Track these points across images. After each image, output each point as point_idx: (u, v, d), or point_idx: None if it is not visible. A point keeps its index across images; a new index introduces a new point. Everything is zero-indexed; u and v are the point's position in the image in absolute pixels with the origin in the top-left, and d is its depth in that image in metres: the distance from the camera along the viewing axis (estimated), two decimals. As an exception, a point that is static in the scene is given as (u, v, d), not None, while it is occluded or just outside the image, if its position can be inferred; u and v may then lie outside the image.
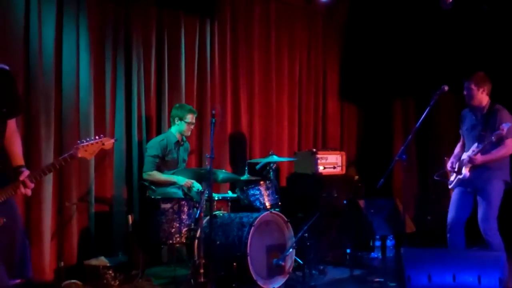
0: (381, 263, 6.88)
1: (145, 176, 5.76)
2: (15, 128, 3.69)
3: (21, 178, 3.45)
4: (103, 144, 3.67)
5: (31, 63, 5.31)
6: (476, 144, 5.20)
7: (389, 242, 7.33)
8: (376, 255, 7.12)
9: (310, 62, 8.29)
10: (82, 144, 3.60)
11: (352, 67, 8.69)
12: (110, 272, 5.33)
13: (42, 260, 5.25)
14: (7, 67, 3.57)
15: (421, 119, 5.03)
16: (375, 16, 8.44)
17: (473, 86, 5.28)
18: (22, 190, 3.43)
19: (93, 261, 5.43)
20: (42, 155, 5.28)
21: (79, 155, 3.59)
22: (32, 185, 3.48)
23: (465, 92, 5.35)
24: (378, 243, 7.24)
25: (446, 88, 5.14)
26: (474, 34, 7.73)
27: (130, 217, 5.75)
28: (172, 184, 5.74)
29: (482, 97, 5.31)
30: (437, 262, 4.44)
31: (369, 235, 7.18)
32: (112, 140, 3.77)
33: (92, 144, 3.62)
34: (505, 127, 4.93)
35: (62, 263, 5.46)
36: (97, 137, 3.68)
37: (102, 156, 5.89)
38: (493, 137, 5.01)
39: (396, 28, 8.39)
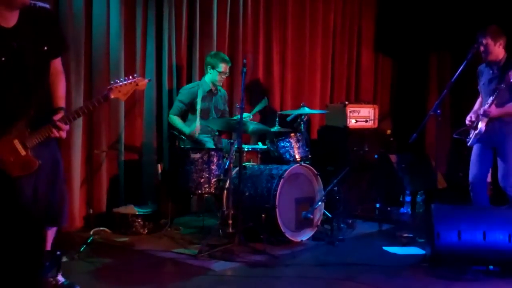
0: (411, 218, 6.82)
1: (168, 118, 5.83)
2: (61, 68, 3.58)
3: (55, 118, 3.36)
4: (137, 85, 3.54)
5: (61, 7, 5.22)
6: (490, 98, 5.06)
7: (419, 198, 7.24)
8: (405, 211, 7.06)
9: (345, 11, 8.08)
10: (116, 85, 3.47)
11: (388, 18, 8.48)
12: (139, 220, 5.37)
13: (72, 207, 5.29)
14: (47, 5, 3.45)
15: (457, 73, 4.94)
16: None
17: (489, 41, 5.15)
18: (56, 132, 3.34)
19: (122, 209, 5.47)
20: (72, 101, 5.25)
21: (113, 96, 3.47)
22: (67, 127, 3.38)
23: (481, 48, 5.19)
24: (408, 199, 7.15)
25: (495, 35, 5.07)
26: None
27: (159, 166, 5.76)
28: (182, 133, 5.74)
29: (499, 51, 5.18)
30: (467, 219, 4.36)
31: (399, 190, 7.11)
32: (146, 80, 3.61)
33: (125, 84, 3.50)
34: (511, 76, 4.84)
35: (91, 211, 5.54)
36: (130, 77, 3.55)
37: (132, 103, 5.87)
38: (503, 85, 4.91)
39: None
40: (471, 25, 7.74)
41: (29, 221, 3.34)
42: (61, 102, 3.52)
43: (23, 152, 3.27)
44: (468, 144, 5.34)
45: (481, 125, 5.10)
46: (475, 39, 5.18)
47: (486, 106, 5.08)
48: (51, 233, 3.62)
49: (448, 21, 8.29)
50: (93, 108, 3.51)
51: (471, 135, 5.31)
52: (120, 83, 3.49)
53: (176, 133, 5.77)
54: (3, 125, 3.25)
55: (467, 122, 5.35)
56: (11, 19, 3.25)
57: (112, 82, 3.54)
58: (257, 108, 5.73)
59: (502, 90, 4.98)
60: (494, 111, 5.03)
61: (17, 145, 3.27)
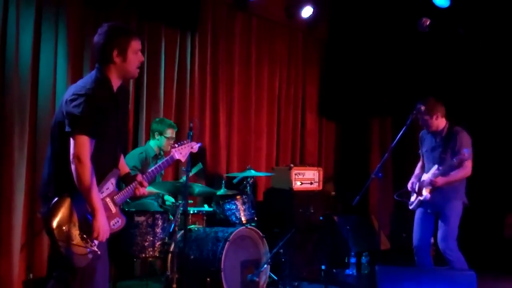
0: (356, 280, 6.88)
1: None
2: None
3: (138, 178, 3.57)
4: (191, 148, 4.01)
5: (7, 71, 5.21)
6: (436, 166, 5.25)
7: (364, 259, 7.33)
8: (351, 272, 7.12)
9: (290, 77, 8.31)
10: (178, 147, 3.92)
11: (331, 83, 8.73)
12: (81, 285, 5.23)
13: (11, 272, 5.12)
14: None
15: (397, 138, 5.07)
16: (355, 35, 8.51)
17: (426, 117, 5.33)
18: (141, 190, 3.57)
19: (64, 274, 5.32)
20: (15, 164, 5.18)
21: (177, 157, 3.88)
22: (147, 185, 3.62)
23: (420, 122, 5.38)
24: (353, 260, 7.23)
25: (423, 108, 5.21)
26: (450, 57, 7.84)
27: (103, 229, 5.66)
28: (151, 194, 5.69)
29: (438, 122, 5.36)
30: (411, 281, 4.43)
31: (344, 252, 7.18)
32: (199, 144, 4.11)
33: (185, 146, 3.96)
34: (466, 152, 4.99)
35: (31, 275, 5.36)
36: (185, 141, 4.00)
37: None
38: (454, 160, 5.07)
39: (375, 48, 8.48)
40: (411, 91, 8.17)
41: None
42: (126, 167, 3.71)
43: (114, 210, 3.41)
44: (410, 208, 5.48)
45: (426, 193, 5.26)
46: (414, 106, 5.31)
47: (432, 175, 5.23)
48: None
49: (389, 86, 8.63)
50: (162, 168, 3.80)
51: (412, 199, 5.46)
52: (181, 145, 3.94)
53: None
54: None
55: (409, 189, 5.50)
56: (115, 87, 3.45)
57: (175, 144, 3.95)
58: (192, 171, 5.77)
59: (446, 160, 5.16)
60: (440, 181, 5.19)
61: (109, 203, 3.38)
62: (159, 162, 3.83)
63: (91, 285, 3.30)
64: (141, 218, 5.13)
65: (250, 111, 7.65)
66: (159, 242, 5.15)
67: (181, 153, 3.90)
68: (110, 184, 3.40)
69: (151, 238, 5.12)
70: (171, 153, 3.86)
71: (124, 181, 3.58)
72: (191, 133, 5.02)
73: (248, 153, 7.59)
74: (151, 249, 5.12)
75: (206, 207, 6.03)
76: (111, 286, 5.34)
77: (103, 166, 3.36)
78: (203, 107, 7.06)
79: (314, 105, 8.70)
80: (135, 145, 6.28)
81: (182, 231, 5.00)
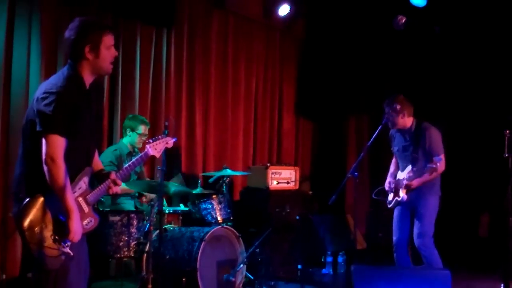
0: (332, 279, 6.89)
1: None
2: None
3: (111, 176, 3.46)
4: (167, 143, 3.86)
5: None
6: (410, 168, 5.27)
7: (340, 258, 7.34)
8: (327, 271, 7.13)
9: (267, 76, 8.29)
10: (152, 142, 3.77)
11: (308, 83, 8.74)
12: (54, 285, 5.16)
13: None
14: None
15: (373, 137, 5.09)
16: (332, 34, 8.54)
17: (392, 113, 5.34)
18: (114, 188, 3.46)
19: (37, 274, 5.24)
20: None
21: (151, 153, 3.75)
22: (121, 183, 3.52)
23: (386, 119, 5.39)
24: (329, 259, 7.24)
25: (398, 107, 5.24)
26: (426, 54, 7.90)
27: (77, 229, 5.58)
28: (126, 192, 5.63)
29: (404, 121, 5.38)
30: (387, 280, 4.45)
31: (320, 251, 7.18)
32: (174, 140, 3.96)
33: (160, 142, 3.81)
34: (437, 161, 5.01)
35: (4, 276, 5.28)
36: (160, 136, 3.85)
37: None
38: (427, 167, 5.06)
39: (352, 46, 8.51)
40: (387, 89, 8.19)
41: None
42: (101, 164, 3.63)
43: (86, 209, 3.32)
44: (389, 206, 5.50)
45: (403, 194, 5.29)
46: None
47: (408, 177, 5.26)
48: None
49: (365, 85, 8.66)
50: (136, 165, 3.70)
51: (390, 198, 5.47)
52: (156, 141, 3.79)
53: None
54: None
55: (386, 188, 5.52)
56: (88, 83, 3.37)
57: (149, 140, 3.82)
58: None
59: (419, 159, 5.19)
60: (416, 183, 5.22)
61: (81, 203, 3.30)
62: (133, 159, 3.76)
63: (64, 286, 3.24)
64: (116, 218, 5.07)
65: (226, 109, 7.62)
66: (134, 242, 5.09)
67: (155, 149, 3.77)
68: (83, 183, 3.33)
69: (126, 238, 5.07)
70: (146, 149, 3.76)
71: (97, 178, 3.51)
72: (167, 132, 4.95)
73: (224, 152, 7.56)
74: (126, 249, 5.07)
75: (181, 207, 5.99)
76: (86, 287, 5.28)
77: (76, 165, 3.29)
78: (179, 105, 7.01)
79: (291, 104, 8.70)
80: (110, 142, 6.21)
81: (158, 231, 4.94)
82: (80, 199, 3.31)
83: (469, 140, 7.74)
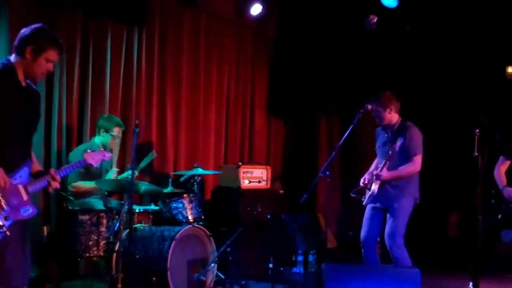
0: (303, 278, 6.92)
1: (70, 188, 5.53)
2: None
3: (51, 171, 3.65)
4: (104, 156, 4.22)
5: None
6: (384, 162, 5.30)
7: (311, 257, 7.37)
8: (298, 270, 7.15)
9: (238, 75, 8.28)
10: (90, 152, 4.16)
11: (280, 82, 8.76)
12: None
13: None
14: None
15: (345, 136, 5.10)
16: (304, 34, 8.58)
17: (379, 108, 5.39)
18: (53, 183, 3.61)
19: (4, 274, 5.15)
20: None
21: (88, 161, 4.09)
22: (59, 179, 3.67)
23: (373, 114, 5.44)
24: (300, 258, 7.27)
25: (370, 107, 5.29)
26: (398, 54, 7.98)
27: (45, 228, 5.50)
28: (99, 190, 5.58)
29: (391, 116, 5.42)
30: (357, 278, 4.47)
31: (291, 250, 7.21)
32: (110, 154, 4.42)
33: (98, 153, 4.20)
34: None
35: None
36: (101, 148, 4.32)
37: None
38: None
39: (324, 46, 8.56)
40: (358, 89, 8.28)
41: None
42: (38, 165, 3.79)
43: (25, 197, 3.45)
44: (363, 203, 5.53)
45: (374, 187, 5.30)
46: (363, 104, 5.34)
47: (379, 169, 5.30)
48: None
49: (336, 85, 8.72)
50: (74, 168, 3.95)
51: (366, 195, 5.50)
52: (93, 151, 4.19)
53: (64, 194, 5.57)
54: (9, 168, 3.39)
55: (361, 183, 5.54)
56: (22, 81, 3.55)
57: (87, 150, 4.22)
58: (145, 161, 5.68)
59: (393, 154, 5.23)
60: (386, 174, 5.24)
61: (20, 190, 3.43)
62: (72, 162, 4.06)
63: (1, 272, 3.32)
64: (85, 217, 5.02)
65: (198, 108, 7.58)
66: (103, 241, 5.05)
67: (93, 158, 4.13)
68: (24, 173, 3.47)
69: (96, 237, 5.02)
70: (84, 157, 4.09)
71: (36, 177, 3.62)
72: (137, 130, 4.93)
73: (196, 151, 7.52)
74: (96, 248, 5.02)
75: (152, 206, 5.94)
76: (55, 286, 5.22)
77: (11, 154, 3.42)
78: (150, 104, 6.95)
79: (263, 103, 8.70)
80: (80, 141, 6.12)
81: (127, 230, 4.90)
82: (20, 186, 3.43)
83: (438, 139, 7.83)
